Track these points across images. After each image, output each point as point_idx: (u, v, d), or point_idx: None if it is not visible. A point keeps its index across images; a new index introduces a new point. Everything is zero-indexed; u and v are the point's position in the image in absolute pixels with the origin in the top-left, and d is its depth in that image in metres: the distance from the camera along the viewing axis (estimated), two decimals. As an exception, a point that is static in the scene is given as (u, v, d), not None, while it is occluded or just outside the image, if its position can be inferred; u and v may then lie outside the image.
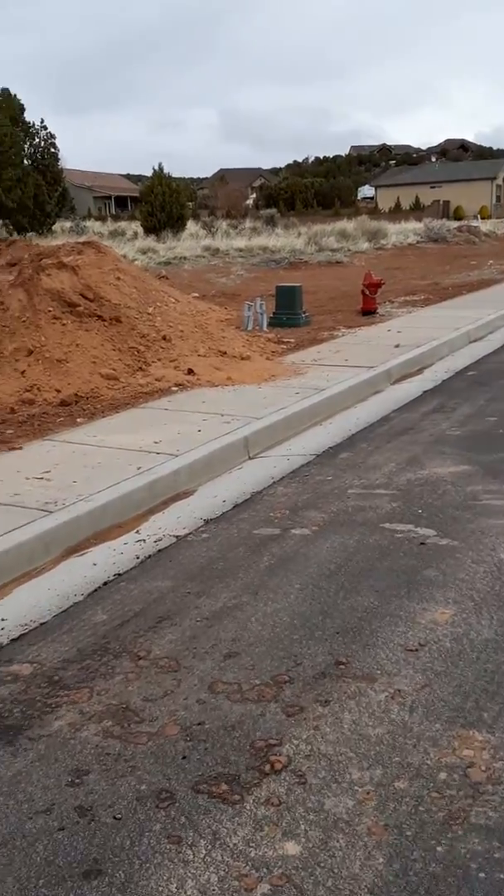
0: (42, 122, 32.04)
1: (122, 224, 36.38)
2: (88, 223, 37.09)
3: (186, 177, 79.77)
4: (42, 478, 5.47)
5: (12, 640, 3.63)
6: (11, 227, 26.85)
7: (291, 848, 2.30)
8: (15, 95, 27.85)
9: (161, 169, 31.06)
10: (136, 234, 29.92)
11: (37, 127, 28.51)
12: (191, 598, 3.91)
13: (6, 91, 27.44)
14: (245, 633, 3.52)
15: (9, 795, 2.59)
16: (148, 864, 2.27)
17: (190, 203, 59.41)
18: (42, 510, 4.87)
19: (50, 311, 8.76)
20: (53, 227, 29.12)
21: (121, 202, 68.56)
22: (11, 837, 2.41)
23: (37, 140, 28.70)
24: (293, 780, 2.58)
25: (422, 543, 4.39)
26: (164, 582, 4.11)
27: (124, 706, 3.04)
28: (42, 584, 4.23)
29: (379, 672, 3.17)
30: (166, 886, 2.19)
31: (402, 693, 3.02)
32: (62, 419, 7.05)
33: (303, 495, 5.29)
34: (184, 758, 2.72)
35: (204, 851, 2.31)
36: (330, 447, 6.43)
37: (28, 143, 28.08)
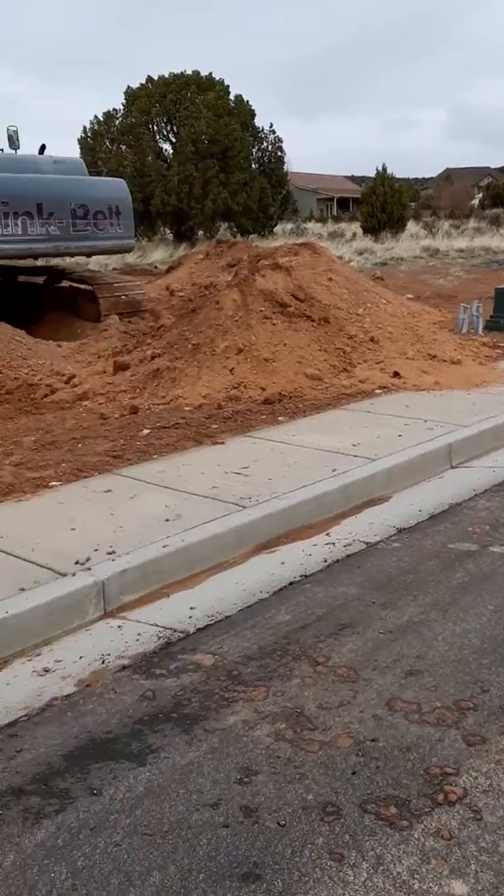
0: (271, 126, 32.95)
1: (343, 225, 36.53)
2: (309, 225, 37.60)
3: (411, 177, 78.72)
4: (240, 473, 5.57)
5: (198, 629, 3.72)
6: (235, 230, 27.80)
7: (458, 887, 2.16)
8: (247, 101, 28.80)
9: (384, 170, 30.83)
10: (354, 235, 29.92)
11: (265, 131, 29.35)
12: (376, 608, 3.81)
13: (239, 97, 28.46)
14: (430, 652, 3.37)
15: (180, 784, 2.64)
16: (307, 878, 2.22)
17: (413, 203, 58.46)
18: (237, 504, 4.96)
19: (261, 311, 8.92)
20: (275, 229, 29.80)
21: (343, 204, 68.91)
22: (178, 826, 2.45)
23: (265, 144, 29.51)
24: (468, 815, 2.43)
25: None
26: (350, 588, 4.04)
27: (298, 711, 3.01)
28: (231, 578, 4.31)
29: None
30: (323, 904, 2.13)
31: None
32: (264, 417, 7.16)
33: (505, 511, 5.00)
34: (353, 773, 2.64)
35: (365, 875, 2.22)
36: (540, 461, 6.04)
37: (256, 148, 28.92)
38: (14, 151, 12.26)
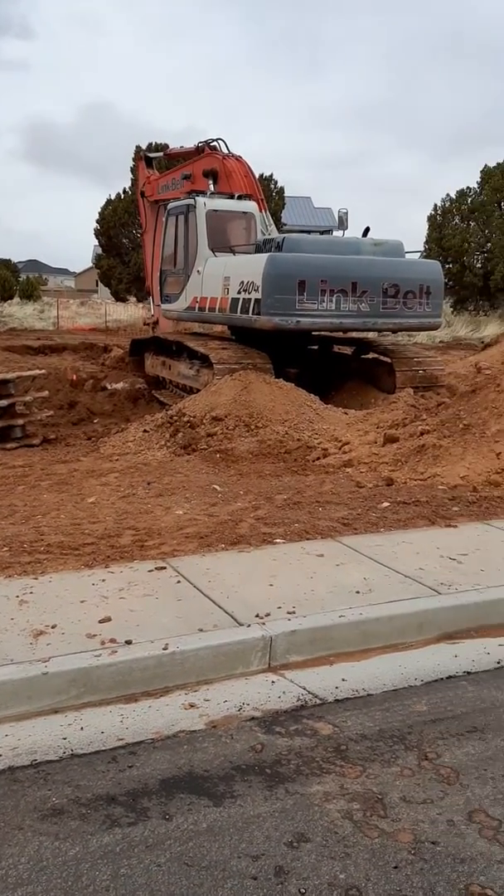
0: None
1: None
2: None
3: None
4: (455, 559, 5.55)
5: (337, 700, 3.88)
6: None
7: None
8: None
9: None
10: None
11: None
12: (520, 718, 3.66)
13: None
14: (547, 775, 3.19)
15: (238, 831, 2.87)
16: (293, 946, 2.34)
17: None
18: (433, 590, 4.98)
19: (547, 396, 8.65)
20: None
21: None
22: (215, 866, 2.69)
23: None
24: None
25: None
26: (502, 694, 3.90)
27: (380, 797, 3.06)
28: (398, 660, 4.37)
29: None
30: None
31: None
32: (515, 506, 6.95)
33: None
34: (395, 867, 2.67)
35: None
36: None
37: None
38: (342, 232, 13.28)
